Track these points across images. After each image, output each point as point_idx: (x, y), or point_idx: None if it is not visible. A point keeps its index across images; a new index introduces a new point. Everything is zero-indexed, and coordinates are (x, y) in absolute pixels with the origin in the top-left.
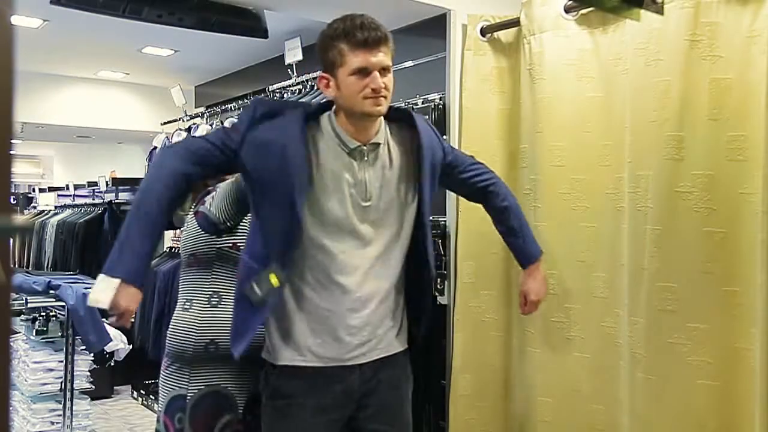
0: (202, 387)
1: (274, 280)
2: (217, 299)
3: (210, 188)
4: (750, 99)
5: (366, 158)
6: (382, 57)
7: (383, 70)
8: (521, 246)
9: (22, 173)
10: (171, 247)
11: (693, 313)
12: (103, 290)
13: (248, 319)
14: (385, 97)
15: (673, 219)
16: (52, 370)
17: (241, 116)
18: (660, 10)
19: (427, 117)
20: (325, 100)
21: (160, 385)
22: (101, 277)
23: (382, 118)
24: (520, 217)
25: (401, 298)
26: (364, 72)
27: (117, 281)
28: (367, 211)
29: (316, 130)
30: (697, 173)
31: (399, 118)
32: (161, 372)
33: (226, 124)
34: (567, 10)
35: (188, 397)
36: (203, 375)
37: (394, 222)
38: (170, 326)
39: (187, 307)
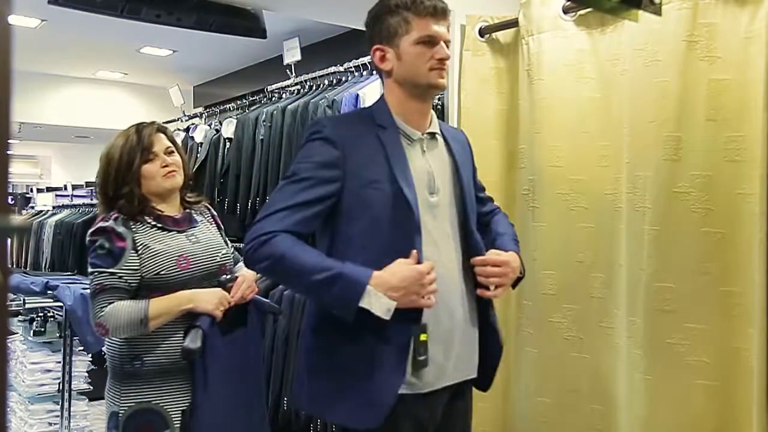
0: (133, 404)
1: (424, 336)
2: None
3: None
4: (748, 100)
5: (426, 149)
6: (446, 29)
7: (446, 43)
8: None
9: (20, 173)
10: None
11: (691, 313)
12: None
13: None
14: (446, 71)
15: (671, 219)
16: (49, 370)
17: (315, 147)
18: (658, 11)
19: None
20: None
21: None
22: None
23: (432, 111)
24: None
25: None
26: (431, 41)
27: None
28: (434, 207)
29: (380, 126)
30: (695, 174)
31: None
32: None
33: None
34: (565, 10)
35: (120, 415)
36: (133, 391)
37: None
38: (107, 339)
39: None
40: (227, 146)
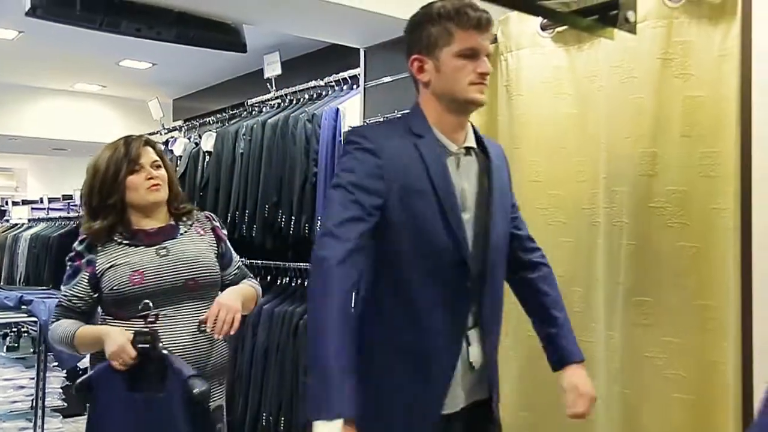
0: None
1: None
2: None
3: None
4: (721, 116)
5: (460, 164)
6: (489, 42)
7: (487, 56)
8: (563, 342)
9: None
10: None
11: (668, 326)
12: None
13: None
14: (486, 86)
15: (647, 234)
16: (23, 387)
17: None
18: (633, 29)
19: None
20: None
21: None
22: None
23: (470, 125)
24: (563, 309)
25: None
26: (472, 54)
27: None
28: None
29: (417, 135)
30: (671, 189)
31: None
32: None
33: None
34: (543, 27)
35: None
36: None
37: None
38: None
39: None
40: (207, 160)
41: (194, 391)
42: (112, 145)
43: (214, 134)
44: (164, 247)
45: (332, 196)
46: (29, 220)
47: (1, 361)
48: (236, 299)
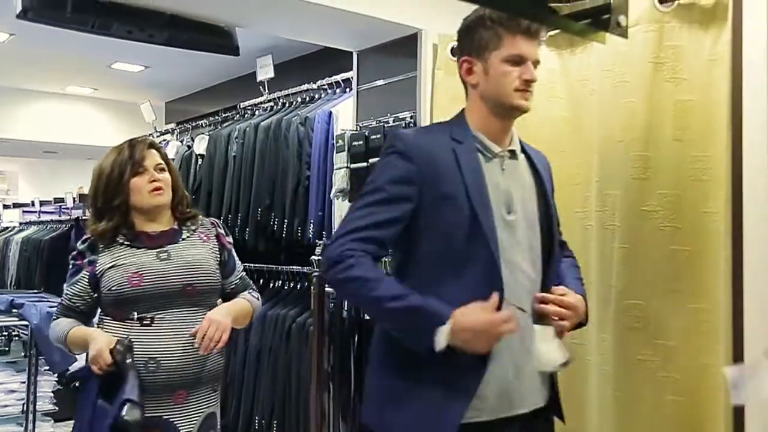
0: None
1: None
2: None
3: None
4: (712, 120)
5: (504, 166)
6: (536, 50)
7: (535, 64)
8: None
9: None
10: None
11: (660, 329)
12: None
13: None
14: (532, 93)
15: (639, 237)
16: (14, 391)
17: (391, 162)
18: (624, 34)
19: None
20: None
21: None
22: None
23: (515, 129)
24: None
25: None
26: (519, 60)
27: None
28: (511, 226)
29: (456, 141)
30: (663, 192)
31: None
32: None
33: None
34: None
35: None
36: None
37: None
38: None
39: None
40: (199, 163)
41: (123, 414)
42: (117, 148)
43: (207, 137)
44: (165, 251)
45: (360, 199)
46: (20, 224)
47: None
48: (227, 315)
